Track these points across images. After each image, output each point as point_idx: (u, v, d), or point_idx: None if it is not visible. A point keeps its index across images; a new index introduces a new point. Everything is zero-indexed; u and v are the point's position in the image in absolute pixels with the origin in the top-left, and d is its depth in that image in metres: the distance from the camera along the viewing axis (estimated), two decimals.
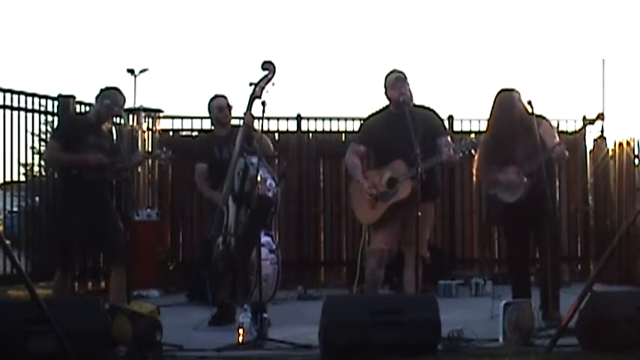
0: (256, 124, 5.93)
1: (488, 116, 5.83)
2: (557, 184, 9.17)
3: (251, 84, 5.54)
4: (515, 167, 5.56)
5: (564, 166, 9.31)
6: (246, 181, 5.58)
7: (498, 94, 5.72)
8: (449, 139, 5.71)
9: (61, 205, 5.84)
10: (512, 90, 5.70)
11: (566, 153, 5.67)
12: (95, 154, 5.63)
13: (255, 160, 5.44)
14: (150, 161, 8.84)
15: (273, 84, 5.53)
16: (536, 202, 5.41)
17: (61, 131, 5.86)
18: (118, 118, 8.37)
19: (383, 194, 5.60)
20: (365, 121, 6.06)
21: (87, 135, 5.63)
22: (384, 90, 5.74)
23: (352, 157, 5.83)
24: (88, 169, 5.60)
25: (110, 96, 5.72)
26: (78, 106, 7.92)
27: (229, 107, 6.23)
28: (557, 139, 5.68)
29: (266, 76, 5.54)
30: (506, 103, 5.65)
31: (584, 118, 8.57)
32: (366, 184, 5.65)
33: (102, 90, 5.78)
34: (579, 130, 5.85)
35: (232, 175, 5.68)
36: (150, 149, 8.59)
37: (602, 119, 5.55)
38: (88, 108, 7.47)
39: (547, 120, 5.78)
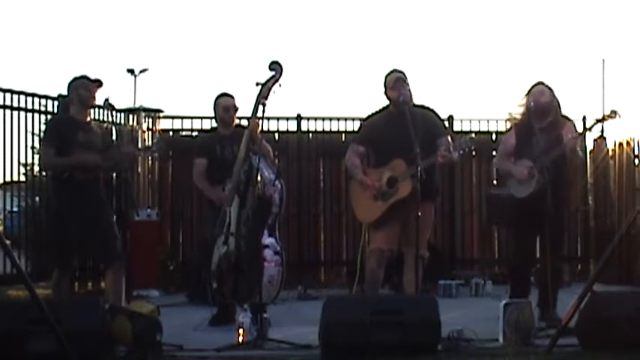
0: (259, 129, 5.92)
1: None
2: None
3: (258, 84, 5.53)
4: (529, 162, 5.57)
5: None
6: (249, 183, 5.58)
7: (530, 88, 5.74)
8: (449, 138, 5.71)
9: (55, 205, 5.82)
10: (536, 83, 5.72)
11: (578, 149, 5.66)
12: (90, 153, 5.61)
13: (257, 161, 5.44)
14: (150, 161, 8.86)
15: (280, 85, 5.52)
16: (547, 200, 5.38)
17: (50, 135, 5.77)
18: (117, 118, 8.42)
19: (383, 193, 5.61)
20: (365, 121, 6.06)
21: (75, 134, 5.59)
22: (383, 90, 5.74)
23: (352, 158, 5.83)
24: (82, 169, 5.57)
25: (83, 85, 5.68)
26: None
27: (235, 108, 6.19)
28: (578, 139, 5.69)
29: (273, 76, 5.52)
30: (531, 97, 5.68)
31: (586, 119, 8.61)
32: (367, 180, 5.65)
33: (73, 80, 5.73)
34: (591, 127, 5.87)
35: (237, 175, 5.67)
36: (148, 145, 8.60)
37: (614, 117, 5.55)
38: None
39: (572, 121, 5.80)
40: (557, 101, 5.71)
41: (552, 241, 5.57)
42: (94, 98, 5.73)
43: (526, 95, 5.73)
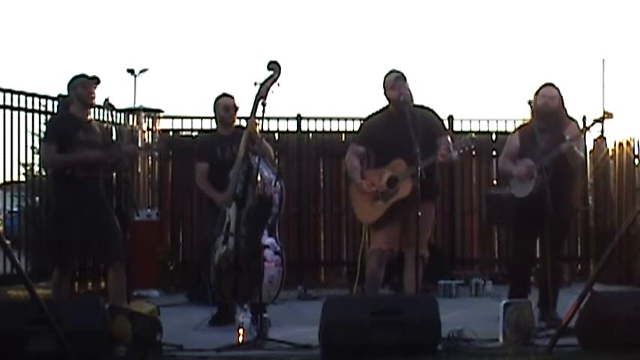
0: (258, 128, 5.92)
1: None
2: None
3: (256, 84, 5.52)
4: (530, 162, 5.57)
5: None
6: (249, 183, 5.58)
7: (539, 89, 5.75)
8: (449, 138, 5.71)
9: (56, 205, 5.81)
10: (545, 85, 5.74)
11: (576, 150, 5.65)
12: (92, 150, 5.61)
13: (257, 161, 5.44)
14: (150, 161, 8.86)
15: (279, 84, 5.51)
16: (547, 200, 5.38)
17: (51, 133, 5.78)
18: (117, 118, 8.43)
19: (383, 194, 5.61)
20: (365, 121, 6.06)
21: (76, 132, 5.60)
22: (383, 90, 5.74)
23: (351, 159, 5.83)
24: (84, 167, 5.57)
25: (81, 84, 5.69)
26: None
27: (235, 108, 6.20)
28: (578, 140, 5.68)
29: (271, 76, 5.51)
30: (541, 99, 5.70)
31: (586, 119, 8.61)
32: (364, 184, 5.65)
33: (73, 79, 5.73)
34: (587, 127, 5.88)
35: (237, 176, 5.67)
36: (149, 143, 8.60)
37: (610, 117, 5.58)
38: None
39: (576, 122, 5.81)
40: (564, 103, 5.73)
41: (552, 242, 5.57)
42: (93, 96, 5.73)
43: (535, 95, 5.73)
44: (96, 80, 5.70)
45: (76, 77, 5.72)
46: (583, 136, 6.23)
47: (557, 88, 5.72)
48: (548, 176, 5.41)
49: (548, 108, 5.63)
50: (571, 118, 5.79)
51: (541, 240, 5.72)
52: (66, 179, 5.59)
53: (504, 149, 5.99)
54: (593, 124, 5.78)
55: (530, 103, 5.72)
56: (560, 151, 5.47)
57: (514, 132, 6.21)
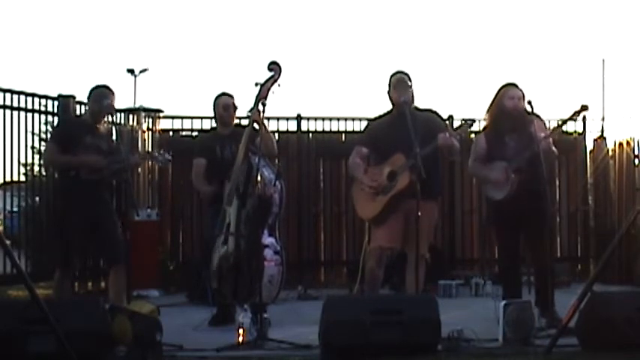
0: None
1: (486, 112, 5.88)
2: (557, 183, 9.25)
3: (257, 84, 5.53)
4: (503, 163, 5.58)
5: (564, 166, 9.35)
6: (249, 182, 5.58)
7: (501, 89, 5.76)
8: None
9: (59, 205, 5.84)
10: (509, 85, 5.73)
11: (553, 148, 5.66)
12: (92, 155, 5.64)
13: (257, 160, 5.44)
14: (150, 161, 8.85)
15: (279, 85, 5.51)
16: (525, 200, 5.41)
17: (57, 133, 5.89)
18: (117, 118, 8.43)
19: (383, 188, 5.61)
20: (370, 123, 6.09)
21: (84, 136, 5.65)
22: (387, 89, 5.76)
23: (355, 159, 5.85)
24: (86, 170, 5.60)
25: (106, 95, 5.74)
26: (78, 106, 7.93)
27: (234, 107, 6.21)
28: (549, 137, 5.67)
29: (272, 76, 5.52)
30: (498, 98, 5.72)
31: (586, 118, 8.62)
32: (365, 178, 5.66)
33: (92, 90, 5.77)
34: (563, 123, 5.80)
35: (237, 175, 5.67)
36: (150, 149, 8.60)
37: (586, 110, 5.59)
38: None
39: (541, 119, 5.81)
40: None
41: (540, 241, 5.56)
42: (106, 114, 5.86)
43: (497, 96, 5.74)
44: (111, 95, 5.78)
45: (105, 87, 5.79)
46: (585, 133, 6.20)
47: (520, 89, 5.73)
48: (525, 175, 5.42)
49: (519, 110, 5.63)
50: (534, 115, 5.75)
51: (529, 240, 5.73)
52: (70, 180, 5.65)
53: (472, 152, 5.92)
54: (567, 121, 5.74)
55: (530, 102, 5.70)
56: (536, 151, 5.45)
57: (479, 133, 6.18)
